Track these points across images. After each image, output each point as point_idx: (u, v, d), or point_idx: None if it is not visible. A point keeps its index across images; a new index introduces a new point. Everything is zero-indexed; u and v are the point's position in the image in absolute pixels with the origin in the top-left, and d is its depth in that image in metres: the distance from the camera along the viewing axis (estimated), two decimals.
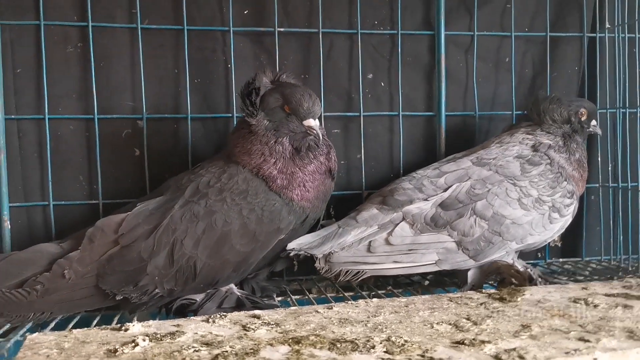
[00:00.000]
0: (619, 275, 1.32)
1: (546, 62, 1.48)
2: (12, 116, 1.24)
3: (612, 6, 1.43)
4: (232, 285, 1.12)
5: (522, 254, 1.35)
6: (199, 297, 1.09)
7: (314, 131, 1.08)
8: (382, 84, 1.43)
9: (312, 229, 1.19)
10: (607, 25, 1.47)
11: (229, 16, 1.31)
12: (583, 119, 1.30)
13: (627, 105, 1.41)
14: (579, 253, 1.53)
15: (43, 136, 1.25)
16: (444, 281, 1.33)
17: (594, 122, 1.32)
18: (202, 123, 1.34)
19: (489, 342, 0.77)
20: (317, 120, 1.10)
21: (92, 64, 1.26)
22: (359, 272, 1.15)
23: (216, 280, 1.07)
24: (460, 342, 0.77)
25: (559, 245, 1.55)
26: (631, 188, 1.39)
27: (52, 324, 1.05)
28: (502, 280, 1.20)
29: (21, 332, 1.02)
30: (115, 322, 1.06)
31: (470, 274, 1.19)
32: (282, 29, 1.35)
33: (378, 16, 1.42)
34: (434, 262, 1.16)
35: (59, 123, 1.27)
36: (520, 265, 1.18)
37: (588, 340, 0.77)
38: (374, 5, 1.41)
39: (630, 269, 1.37)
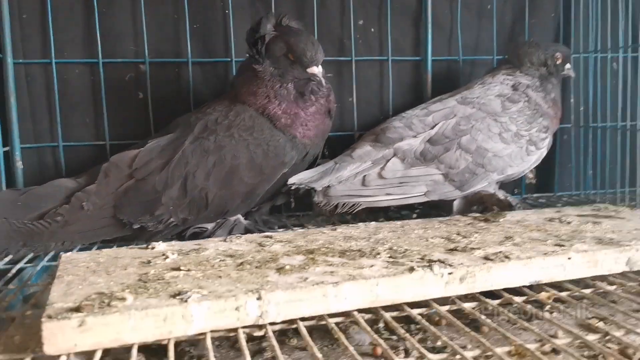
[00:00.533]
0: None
1: (525, 9, 1.57)
2: (20, 60, 1.28)
3: None
4: (239, 216, 1.21)
5: (501, 186, 1.46)
6: (209, 226, 1.17)
7: (317, 78, 1.16)
8: (372, 29, 1.51)
9: (310, 165, 1.28)
10: None
11: None
12: (558, 62, 1.40)
13: (599, 50, 1.51)
14: (551, 189, 1.66)
15: (50, 80, 1.30)
16: (431, 214, 1.43)
17: (568, 66, 1.42)
18: (201, 67, 1.40)
19: (478, 248, 0.88)
20: (319, 67, 1.17)
21: (96, 10, 1.30)
22: (354, 204, 1.24)
23: (226, 210, 1.16)
24: (454, 249, 0.89)
25: (534, 182, 1.67)
26: (600, 128, 1.51)
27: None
28: (484, 209, 1.31)
29: (46, 259, 1.09)
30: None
31: (455, 203, 1.30)
32: None
33: None
34: (423, 193, 1.26)
35: (65, 67, 1.32)
36: (501, 194, 1.29)
37: (563, 245, 0.89)
38: None
39: (598, 200, 1.50)
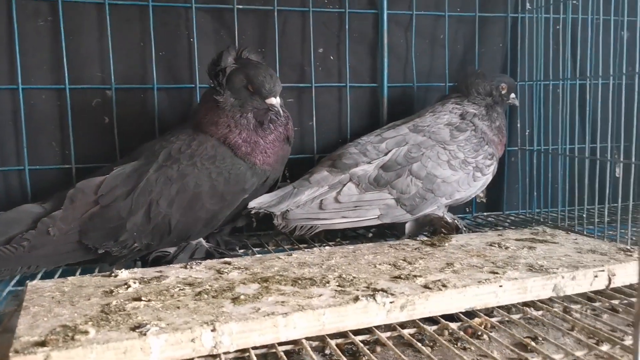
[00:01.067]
0: (533, 225, 1.56)
1: (475, 39, 1.67)
2: None
3: None
4: (201, 239, 1.26)
5: (452, 208, 1.55)
6: (172, 250, 1.23)
7: (275, 108, 1.23)
8: (332, 57, 1.58)
9: (271, 188, 1.35)
10: (528, 7, 1.67)
11: None
12: (503, 92, 1.50)
13: (543, 78, 1.62)
14: (500, 207, 1.76)
15: (17, 105, 1.34)
16: (385, 233, 1.52)
17: (512, 95, 1.53)
18: (167, 93, 1.46)
19: (420, 276, 0.96)
20: (277, 97, 1.23)
21: (63, 36, 1.34)
22: (312, 227, 1.31)
23: (189, 235, 1.22)
24: (398, 277, 0.96)
25: (484, 201, 1.78)
26: (544, 151, 1.62)
27: (39, 277, 1.16)
28: (434, 231, 1.40)
29: (11, 283, 1.13)
30: (96, 272, 1.18)
31: (407, 226, 1.38)
32: (240, 6, 1.46)
33: None
34: (377, 216, 1.34)
35: (32, 93, 1.36)
36: (449, 217, 1.38)
37: (497, 273, 0.98)
38: None
39: (542, 220, 1.60)
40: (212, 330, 0.75)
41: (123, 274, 1.00)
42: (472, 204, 1.74)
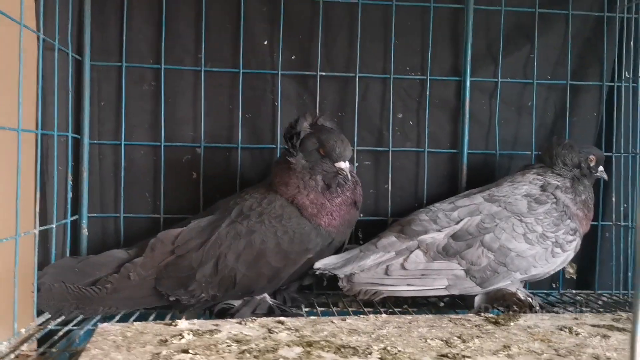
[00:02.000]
0: (626, 308, 1.42)
1: (566, 106, 1.60)
2: (95, 141, 1.49)
3: (629, 57, 1.54)
4: (266, 295, 1.31)
5: (536, 283, 1.47)
6: (237, 303, 1.28)
7: (344, 172, 1.26)
8: (411, 122, 1.59)
9: (337, 251, 1.37)
10: (625, 75, 1.58)
11: (279, 61, 1.52)
12: (592, 164, 1.42)
13: None
14: (592, 286, 1.63)
15: (119, 159, 1.49)
16: (458, 304, 1.46)
17: (601, 168, 1.43)
18: (250, 152, 1.55)
19: (469, 357, 0.92)
20: (347, 162, 1.27)
21: (162, 99, 1.49)
22: (376, 292, 1.30)
23: (252, 290, 1.27)
24: (445, 355, 0.93)
25: (574, 277, 1.65)
26: None
27: (117, 317, 1.26)
28: (506, 307, 1.33)
29: (92, 322, 1.24)
30: (167, 318, 1.26)
31: (477, 299, 1.32)
32: (323, 73, 1.54)
33: (410, 63, 1.59)
34: (444, 287, 1.30)
35: (132, 148, 1.51)
36: (522, 294, 1.31)
37: None
38: (406, 54, 1.58)
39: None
40: None
41: (182, 324, 1.06)
42: (560, 280, 1.62)
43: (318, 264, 1.30)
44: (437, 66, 1.58)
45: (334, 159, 1.26)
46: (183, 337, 0.98)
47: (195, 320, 1.10)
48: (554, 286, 1.64)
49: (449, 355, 0.93)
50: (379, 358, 0.91)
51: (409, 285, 1.31)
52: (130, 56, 1.49)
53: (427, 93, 1.58)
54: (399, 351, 0.94)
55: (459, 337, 1.03)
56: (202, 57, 1.50)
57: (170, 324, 1.06)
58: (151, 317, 1.27)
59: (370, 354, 0.93)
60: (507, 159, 1.62)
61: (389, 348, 0.95)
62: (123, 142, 1.49)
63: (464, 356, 0.93)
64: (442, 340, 1.01)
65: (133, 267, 1.25)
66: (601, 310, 1.41)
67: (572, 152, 1.41)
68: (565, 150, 1.42)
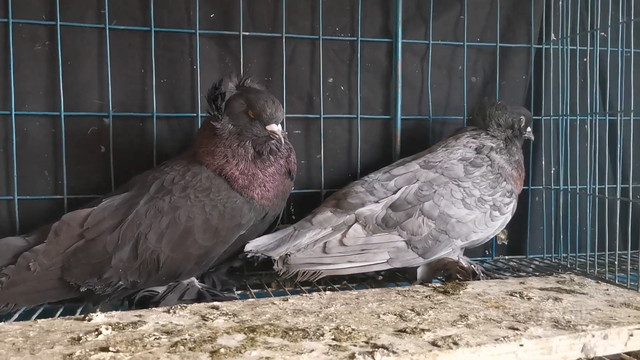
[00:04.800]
0: (559, 271, 1.43)
1: (496, 70, 1.57)
2: None
3: (557, 20, 1.53)
4: (194, 279, 1.17)
5: (469, 251, 1.43)
6: (161, 289, 1.13)
7: (277, 135, 1.14)
8: (342, 87, 1.50)
9: (271, 225, 1.25)
10: (553, 38, 1.57)
11: (196, 19, 1.36)
12: (522, 125, 1.40)
13: (569, 113, 1.51)
14: (523, 251, 1.63)
15: (9, 132, 1.28)
16: (397, 276, 1.40)
17: (529, 129, 1.43)
18: (167, 122, 1.39)
19: (428, 330, 0.85)
20: (279, 125, 1.15)
21: (60, 62, 1.29)
22: (315, 272, 1.20)
23: (179, 273, 1.12)
24: (403, 331, 0.85)
25: (506, 243, 1.65)
26: (571, 190, 1.49)
27: (16, 315, 1.08)
28: (448, 276, 1.28)
29: None
30: (78, 313, 1.10)
31: (419, 270, 1.26)
32: (247, 33, 1.40)
33: (339, 23, 1.48)
34: (386, 260, 1.23)
35: (26, 119, 1.30)
36: (464, 261, 1.26)
37: (517, 329, 0.85)
38: (335, 13, 1.47)
39: (569, 265, 1.47)
40: None
41: (98, 317, 0.90)
42: (493, 247, 1.61)
43: (249, 246, 1.19)
44: (367, 27, 1.50)
45: (265, 121, 1.13)
46: (100, 332, 0.83)
47: (114, 312, 0.95)
48: (487, 253, 1.63)
49: (407, 330, 0.85)
50: (333, 339, 0.81)
51: (349, 262, 1.22)
52: (18, 10, 1.27)
53: (358, 55, 1.48)
54: (353, 329, 0.85)
55: (412, 310, 0.96)
56: (105, 13, 1.31)
57: (83, 319, 0.90)
58: (58, 313, 1.10)
59: (322, 335, 0.83)
60: (439, 124, 1.57)
61: (341, 327, 0.86)
62: (13, 112, 1.27)
63: (422, 329, 0.85)
64: (395, 315, 0.93)
65: (33, 256, 1.07)
66: (536, 274, 1.41)
67: (505, 113, 1.38)
68: (499, 110, 1.38)
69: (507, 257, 1.63)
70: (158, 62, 1.35)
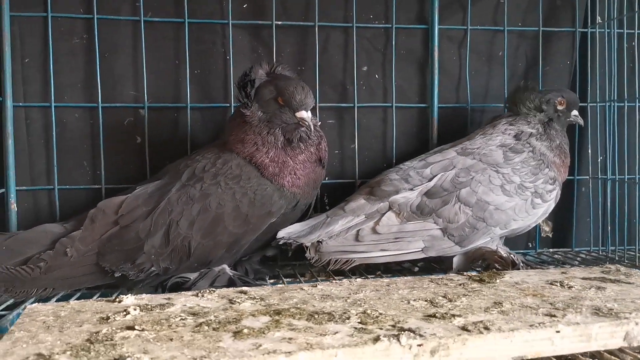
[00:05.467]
0: (606, 264, 1.35)
1: (538, 56, 1.51)
2: (20, 104, 1.30)
3: (603, 1, 1.46)
4: (225, 266, 1.17)
5: (512, 243, 1.38)
6: (192, 276, 1.13)
7: (306, 122, 1.12)
8: (377, 76, 1.47)
9: (303, 215, 1.24)
10: (599, 21, 1.50)
11: (229, 10, 1.36)
12: (561, 108, 1.33)
13: (617, 99, 1.43)
14: (569, 243, 1.56)
15: (49, 123, 1.31)
16: (433, 268, 1.36)
17: (574, 112, 1.35)
18: (200, 112, 1.40)
19: (459, 315, 0.81)
20: (309, 112, 1.13)
21: (97, 55, 1.31)
22: (347, 260, 1.18)
23: (209, 260, 1.13)
24: (432, 316, 0.81)
25: (550, 235, 1.58)
26: (619, 180, 1.42)
27: (53, 300, 1.10)
28: (487, 266, 1.24)
29: (23, 306, 1.07)
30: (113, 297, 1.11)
31: (455, 260, 1.22)
32: (279, 22, 1.39)
33: (373, 11, 1.46)
34: (421, 249, 1.19)
35: (65, 111, 1.33)
36: (504, 251, 1.21)
37: (554, 316, 0.81)
38: (368, 1, 1.45)
39: (617, 258, 1.39)
40: None
41: (128, 299, 0.91)
42: (536, 239, 1.55)
43: (281, 233, 1.18)
44: (402, 14, 1.46)
45: (295, 108, 1.12)
46: (128, 312, 0.83)
47: (144, 295, 0.95)
48: (530, 245, 1.56)
49: (436, 315, 0.82)
50: (359, 322, 0.79)
51: (382, 250, 1.19)
52: (57, 5, 1.30)
53: (393, 43, 1.45)
54: (381, 314, 0.82)
55: (444, 297, 0.92)
56: (140, 5, 1.33)
57: (113, 301, 0.91)
58: (94, 298, 1.11)
59: (348, 318, 0.80)
60: (479, 113, 1.52)
61: (368, 311, 0.83)
62: (53, 104, 1.31)
63: (453, 315, 0.81)
64: (426, 301, 0.90)
65: (70, 242, 1.09)
66: (583, 266, 1.34)
67: (532, 94, 1.32)
68: (527, 92, 1.33)
69: (551, 250, 1.56)
70: (191, 53, 1.36)
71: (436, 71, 1.47)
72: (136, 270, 1.09)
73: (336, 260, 1.18)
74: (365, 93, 1.47)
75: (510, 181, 1.21)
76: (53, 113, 1.31)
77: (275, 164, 1.14)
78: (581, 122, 1.37)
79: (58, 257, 1.08)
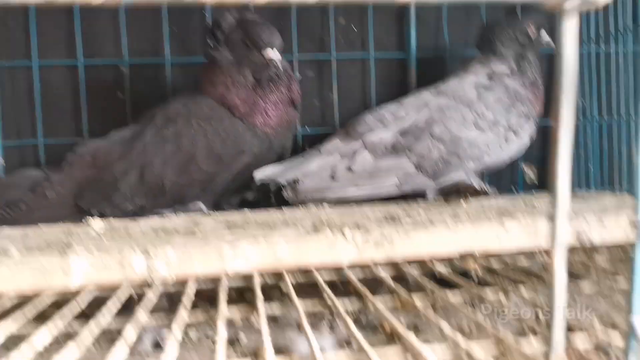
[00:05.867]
0: None
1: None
2: (4, 63, 1.35)
3: None
4: (200, 203, 1.18)
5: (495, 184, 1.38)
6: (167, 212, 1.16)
7: (274, 62, 1.15)
8: (354, 28, 1.48)
9: (280, 158, 1.25)
10: None
11: None
12: (532, 33, 1.32)
13: (594, 41, 1.42)
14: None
15: (32, 81, 1.35)
16: None
17: (543, 32, 1.32)
18: (181, 68, 1.42)
19: (410, 219, 0.83)
20: (276, 51, 1.15)
21: (79, 14, 1.36)
22: (324, 199, 1.20)
23: (184, 198, 1.15)
24: (384, 220, 0.83)
25: (536, 183, 1.57)
26: (597, 121, 1.41)
27: None
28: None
29: None
30: None
31: (429, 194, 1.23)
32: None
33: None
34: (395, 185, 1.21)
35: (47, 69, 1.36)
36: (477, 184, 1.22)
37: (503, 216, 0.82)
38: None
39: None
40: (144, 255, 0.66)
41: (96, 222, 0.94)
42: (519, 183, 1.54)
43: (258, 174, 1.19)
44: None
45: (261, 47, 1.14)
46: (92, 229, 0.87)
47: (113, 219, 0.99)
48: (513, 189, 1.55)
49: (389, 219, 0.84)
50: (311, 226, 0.81)
51: (357, 186, 1.20)
52: None
53: None
54: (334, 222, 0.84)
55: (403, 211, 0.94)
56: None
57: (80, 225, 0.94)
58: None
59: (302, 225, 0.83)
60: (457, 62, 1.51)
61: (324, 219, 0.86)
62: (35, 62, 1.35)
63: (406, 222, 0.83)
64: (385, 215, 0.91)
65: (50, 185, 1.13)
66: None
67: (506, 28, 1.32)
68: (499, 27, 1.33)
69: (534, 191, 1.55)
70: (170, 9, 1.39)
71: (412, 22, 1.48)
72: (113, 209, 1.12)
73: (313, 199, 1.20)
74: (343, 45, 1.48)
75: (483, 117, 1.22)
76: (37, 71, 1.35)
77: (245, 104, 1.16)
78: (552, 45, 1.34)
79: (38, 199, 1.12)
